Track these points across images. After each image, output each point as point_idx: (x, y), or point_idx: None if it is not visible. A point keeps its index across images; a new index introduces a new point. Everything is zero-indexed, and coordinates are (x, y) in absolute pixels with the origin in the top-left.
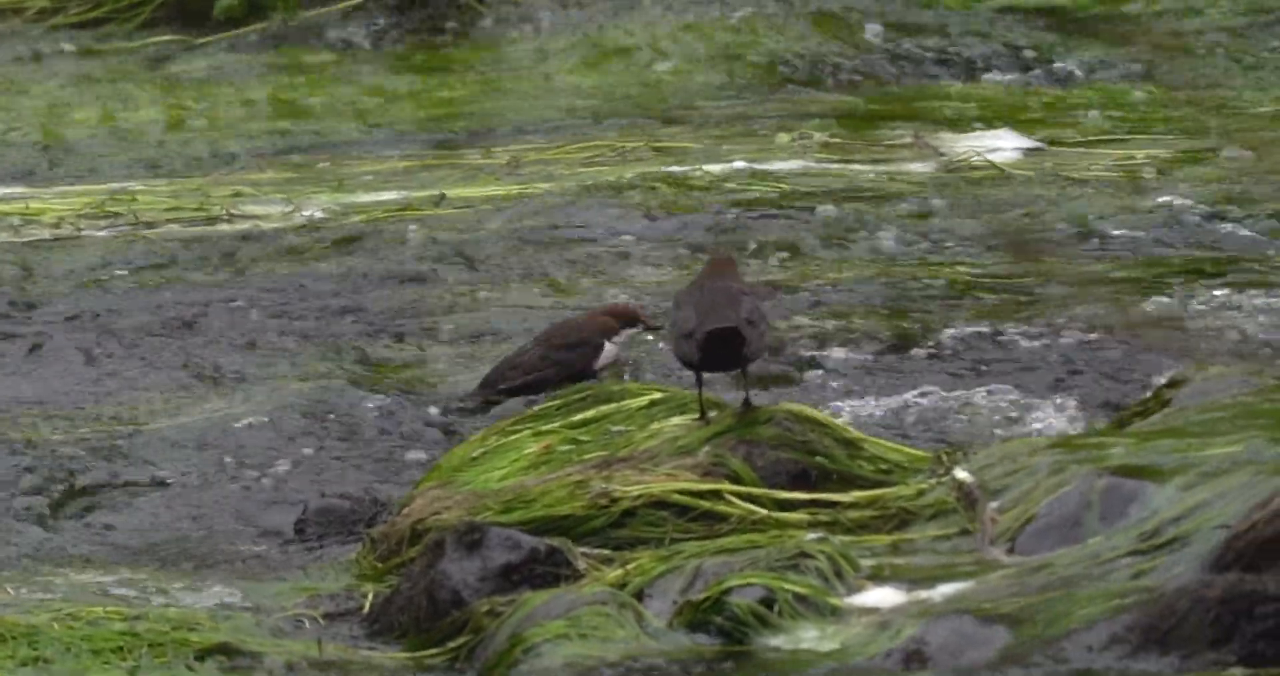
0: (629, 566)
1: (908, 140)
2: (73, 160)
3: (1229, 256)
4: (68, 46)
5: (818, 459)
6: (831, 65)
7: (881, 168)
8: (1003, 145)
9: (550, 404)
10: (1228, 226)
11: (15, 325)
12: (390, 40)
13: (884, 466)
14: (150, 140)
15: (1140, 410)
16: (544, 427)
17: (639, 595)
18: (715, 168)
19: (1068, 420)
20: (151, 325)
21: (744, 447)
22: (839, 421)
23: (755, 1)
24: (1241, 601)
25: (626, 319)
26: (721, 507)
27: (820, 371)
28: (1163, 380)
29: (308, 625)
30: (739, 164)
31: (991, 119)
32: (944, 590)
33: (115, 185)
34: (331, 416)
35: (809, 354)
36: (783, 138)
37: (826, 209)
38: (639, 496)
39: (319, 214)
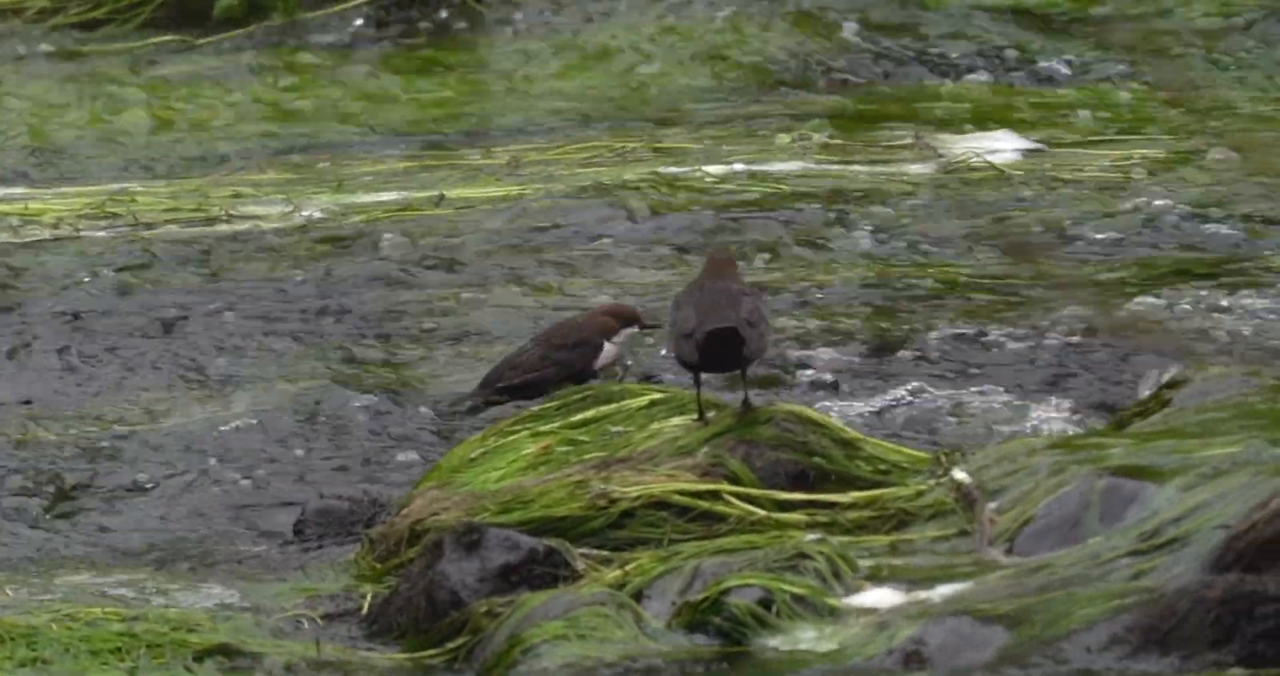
0: (628, 567)
1: (908, 141)
2: (71, 161)
3: (1223, 257)
4: (67, 47)
5: (816, 459)
6: (828, 66)
7: (881, 168)
8: (1001, 146)
9: (549, 404)
10: (1224, 228)
11: (13, 326)
12: (390, 41)
13: (882, 467)
14: (149, 141)
15: (1140, 410)
16: (543, 428)
17: (637, 596)
18: (715, 169)
19: (1065, 421)
20: (150, 325)
21: (743, 448)
22: (837, 422)
23: (753, 3)
24: (1241, 602)
25: (626, 319)
26: (720, 508)
27: (817, 372)
28: (1160, 381)
29: (306, 626)
30: (739, 165)
31: (989, 120)
32: (942, 591)
33: (114, 186)
34: (330, 417)
35: (806, 354)
36: (782, 138)
37: (825, 210)
38: (638, 497)
39: (318, 214)
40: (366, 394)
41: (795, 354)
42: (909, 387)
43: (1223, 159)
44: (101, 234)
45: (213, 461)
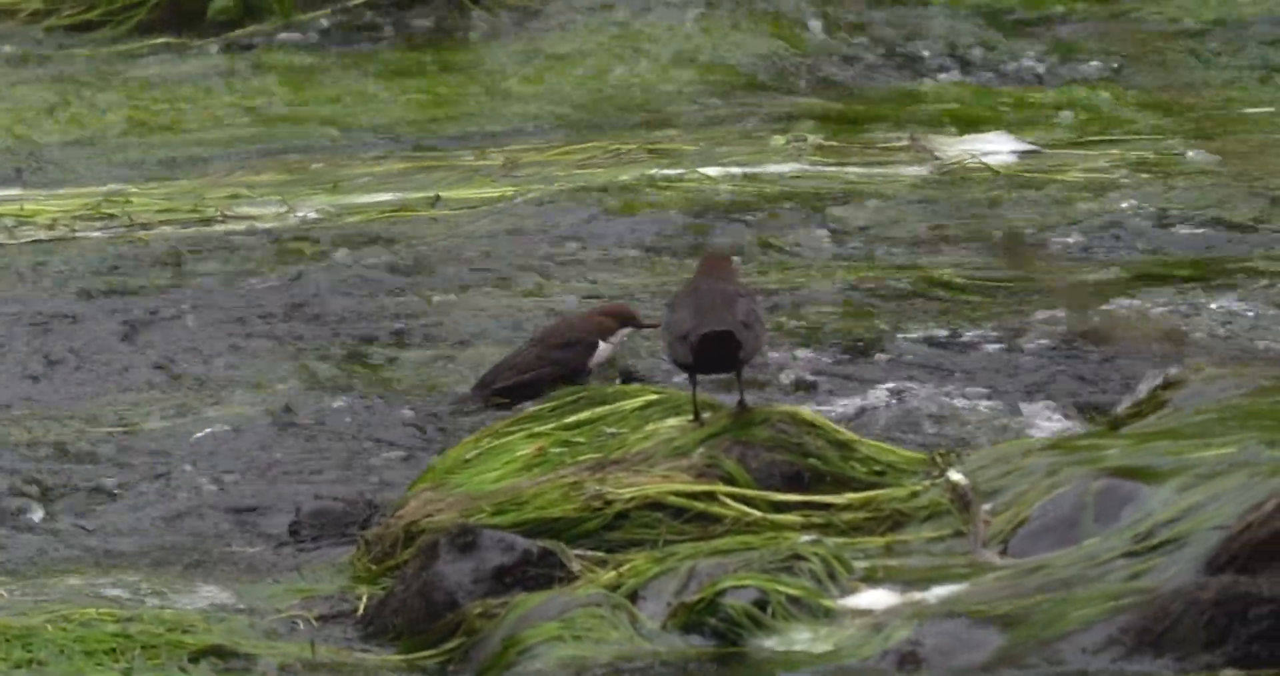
0: (623, 568)
1: (903, 143)
2: (66, 162)
3: (1218, 259)
4: (62, 48)
5: (811, 460)
6: (825, 67)
7: (876, 170)
8: (996, 148)
9: (544, 406)
10: (1218, 229)
11: (9, 327)
12: (386, 42)
13: (878, 468)
14: (144, 142)
15: (1135, 412)
16: (538, 429)
17: (633, 597)
18: (710, 170)
19: (1059, 422)
20: (145, 326)
21: (738, 449)
22: (832, 423)
23: (751, 6)
24: (1236, 603)
25: (624, 319)
26: (715, 509)
27: (811, 373)
28: (1156, 381)
29: (302, 627)
30: (734, 166)
31: (984, 121)
32: (938, 592)
33: (109, 187)
34: (326, 418)
35: (802, 355)
36: (777, 140)
37: (820, 211)
38: (633, 498)
39: (314, 215)
40: (363, 395)
41: (790, 355)
42: (904, 389)
43: (1200, 159)
44: (97, 235)
45: (208, 463)
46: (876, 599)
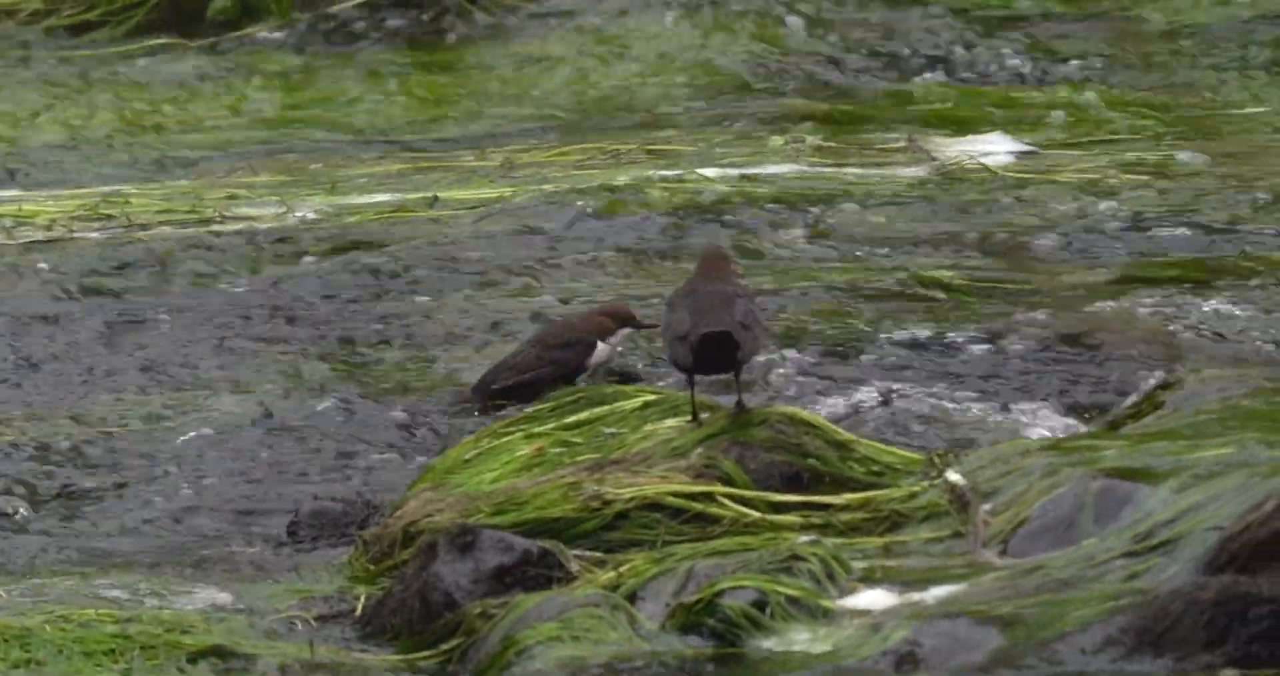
0: (621, 568)
1: (902, 144)
2: (65, 162)
3: (1215, 259)
4: (61, 49)
5: (810, 461)
6: (823, 67)
7: (875, 171)
8: (995, 148)
9: (543, 406)
10: (1216, 230)
11: (6, 327)
12: (385, 42)
13: (876, 468)
14: (143, 142)
15: (1133, 412)
16: (537, 430)
17: (631, 597)
18: (709, 171)
19: (1056, 422)
20: (142, 326)
21: (736, 450)
22: (831, 423)
23: (749, 7)
24: (1235, 603)
25: (623, 319)
26: (714, 510)
27: (808, 373)
28: (1152, 382)
29: (300, 627)
30: (732, 168)
31: (982, 122)
32: (936, 592)
33: (108, 188)
34: (325, 418)
35: (798, 355)
36: (775, 141)
37: (818, 212)
38: (631, 498)
39: (312, 216)
40: (362, 395)
41: (788, 356)
42: (902, 389)
43: (1197, 160)
44: (95, 235)
45: (206, 463)
46: (875, 599)
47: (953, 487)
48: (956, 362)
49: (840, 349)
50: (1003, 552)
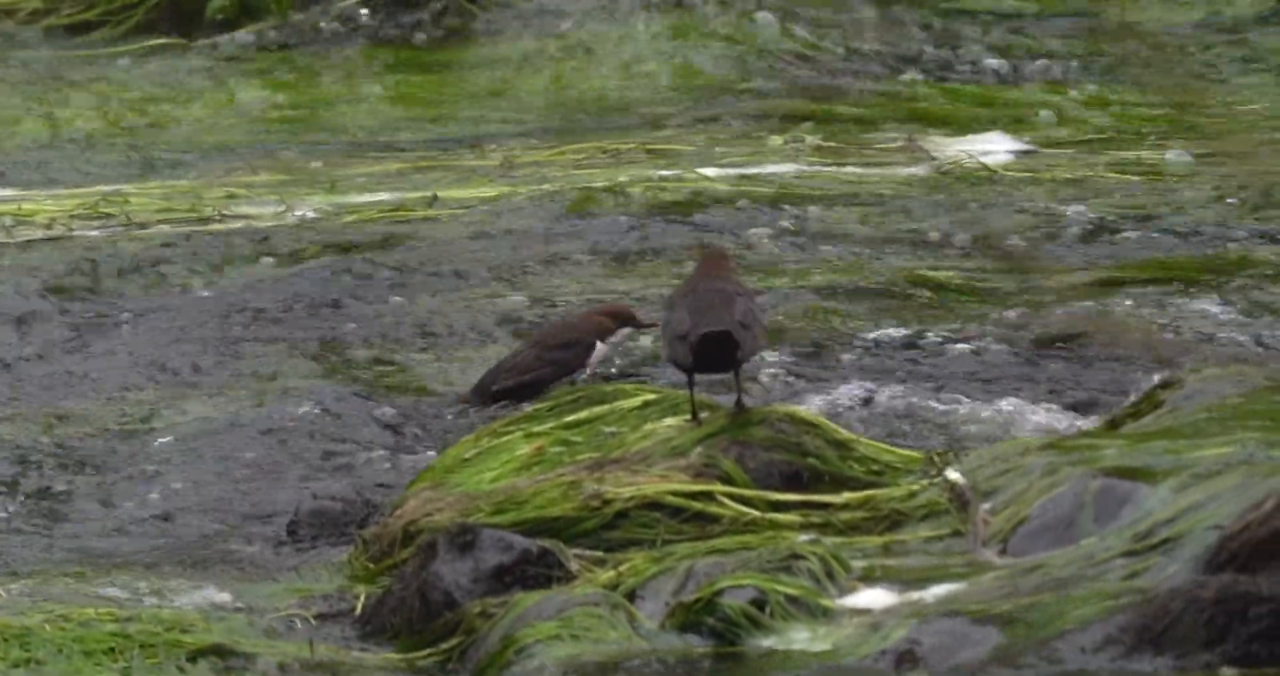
0: (621, 567)
1: (901, 144)
2: (65, 161)
3: (1213, 259)
4: (60, 48)
5: (810, 460)
6: (822, 67)
7: (874, 171)
8: (994, 148)
9: (542, 405)
10: (1214, 229)
11: (4, 326)
12: (383, 42)
13: (876, 467)
14: (143, 142)
15: (1133, 411)
16: (536, 429)
17: (631, 596)
18: (709, 170)
19: (1056, 421)
20: (141, 326)
21: (736, 449)
22: (830, 422)
23: (748, 6)
24: (1235, 602)
25: (623, 319)
26: (714, 509)
27: (807, 372)
28: (1152, 381)
29: (300, 626)
30: (732, 167)
31: (981, 121)
32: (936, 591)
33: (107, 187)
34: (324, 418)
35: (797, 355)
36: (775, 141)
37: (816, 211)
38: (631, 498)
39: (311, 215)
40: (360, 394)
41: (786, 355)
42: (901, 388)
43: (1196, 158)
44: (95, 234)
45: (205, 462)
46: (875, 598)
47: (952, 486)
48: (956, 362)
49: (839, 348)
50: (1002, 551)
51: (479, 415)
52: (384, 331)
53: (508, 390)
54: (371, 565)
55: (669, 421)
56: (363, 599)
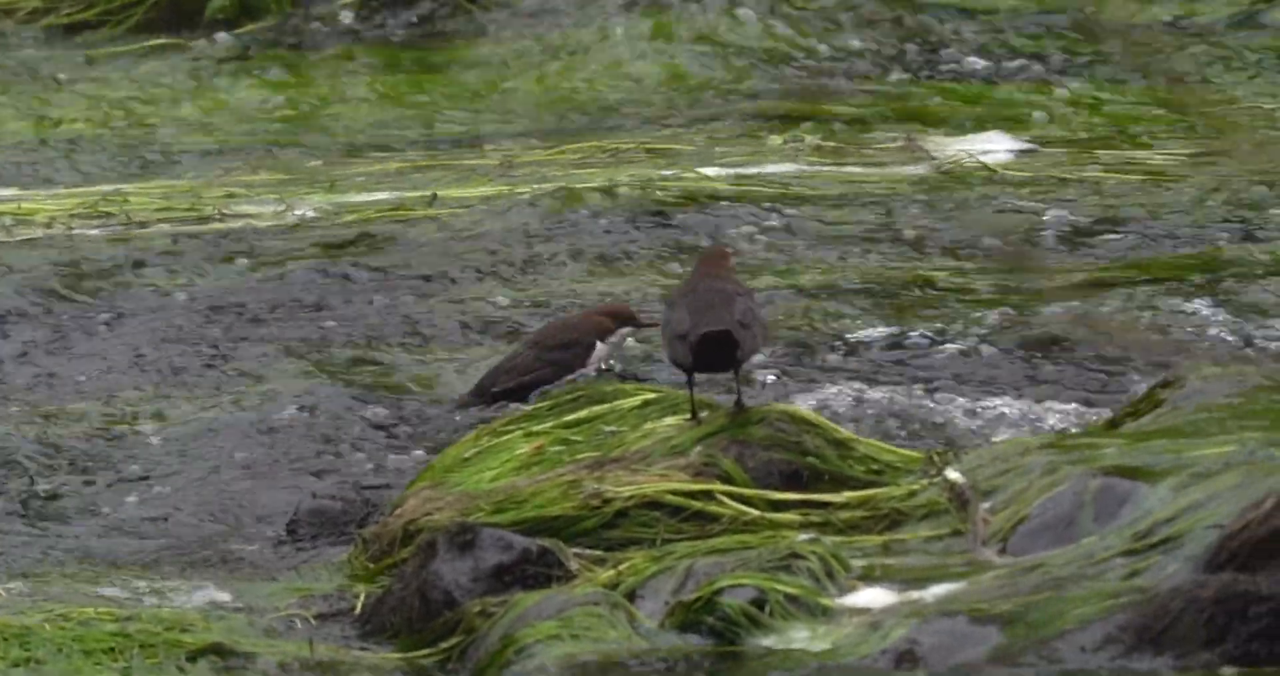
0: (621, 567)
1: (900, 143)
2: (63, 161)
3: (1211, 259)
4: (59, 48)
5: (809, 459)
6: (821, 67)
7: (873, 170)
8: (993, 147)
9: (542, 404)
10: (1212, 228)
11: (5, 325)
12: (382, 41)
13: (875, 467)
14: (141, 141)
15: (1133, 410)
16: (536, 428)
17: (631, 595)
18: (708, 170)
19: (1054, 421)
20: (139, 325)
21: (736, 448)
22: (830, 421)
23: (747, 6)
24: (1235, 601)
25: (623, 318)
26: (713, 508)
27: (805, 372)
28: (1151, 380)
29: (300, 625)
30: (732, 167)
31: (980, 120)
32: (936, 590)
33: (107, 186)
34: (323, 417)
35: (795, 355)
36: (774, 140)
37: (816, 211)
38: (631, 497)
39: (311, 214)
40: (359, 393)
41: (784, 354)
42: (900, 388)
43: (1196, 156)
44: (94, 233)
45: (205, 462)
46: (874, 597)
47: (952, 486)
48: (955, 361)
49: (836, 348)
50: (1002, 551)
51: (478, 414)
52: (383, 331)
53: (507, 392)
54: (371, 564)
55: (669, 420)
56: (362, 598)
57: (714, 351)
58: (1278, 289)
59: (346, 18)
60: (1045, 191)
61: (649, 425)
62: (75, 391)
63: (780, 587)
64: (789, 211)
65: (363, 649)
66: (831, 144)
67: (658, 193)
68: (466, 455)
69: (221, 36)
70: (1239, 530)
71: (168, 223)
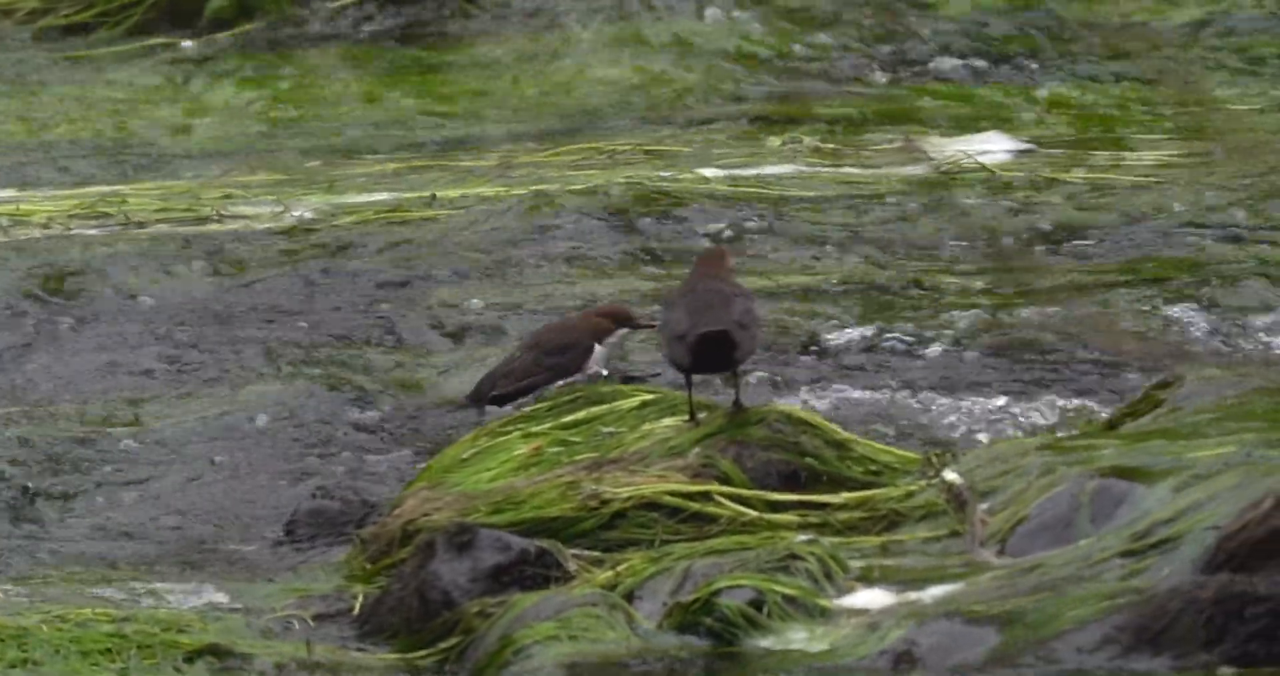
0: (619, 568)
1: (899, 144)
2: (62, 161)
3: (1210, 259)
4: (57, 49)
5: (807, 460)
6: (819, 68)
7: (871, 171)
8: (992, 147)
9: (540, 405)
10: (1210, 230)
11: (2, 326)
12: (381, 41)
13: (873, 468)
14: (140, 142)
15: (1131, 411)
16: (534, 429)
17: (629, 596)
18: (707, 171)
19: (1052, 421)
20: (138, 326)
21: (734, 449)
22: (829, 422)
23: (746, 6)
24: (1233, 602)
25: (621, 319)
26: (711, 509)
27: (803, 373)
28: (1149, 381)
29: (297, 626)
30: (730, 168)
31: (979, 121)
32: (934, 591)
33: (106, 187)
34: (321, 417)
35: (793, 355)
36: (773, 142)
37: (814, 211)
38: (629, 498)
39: (309, 215)
40: (359, 394)
41: (782, 355)
42: (899, 389)
43: (1193, 157)
44: (93, 234)
45: (203, 462)
46: (872, 598)
47: (950, 487)
48: (953, 362)
49: (834, 348)
50: (1000, 552)
51: (476, 415)
52: (380, 331)
53: (506, 395)
54: (369, 565)
55: (667, 421)
56: (361, 599)
57: (712, 352)
58: (1274, 289)
59: (345, 18)
60: (1043, 191)
61: (647, 426)
62: (73, 391)
63: (778, 588)
64: (788, 212)
65: (361, 649)
66: (830, 145)
67: (656, 194)
68: (465, 456)
69: (219, 37)
70: (1237, 531)
71: (166, 223)
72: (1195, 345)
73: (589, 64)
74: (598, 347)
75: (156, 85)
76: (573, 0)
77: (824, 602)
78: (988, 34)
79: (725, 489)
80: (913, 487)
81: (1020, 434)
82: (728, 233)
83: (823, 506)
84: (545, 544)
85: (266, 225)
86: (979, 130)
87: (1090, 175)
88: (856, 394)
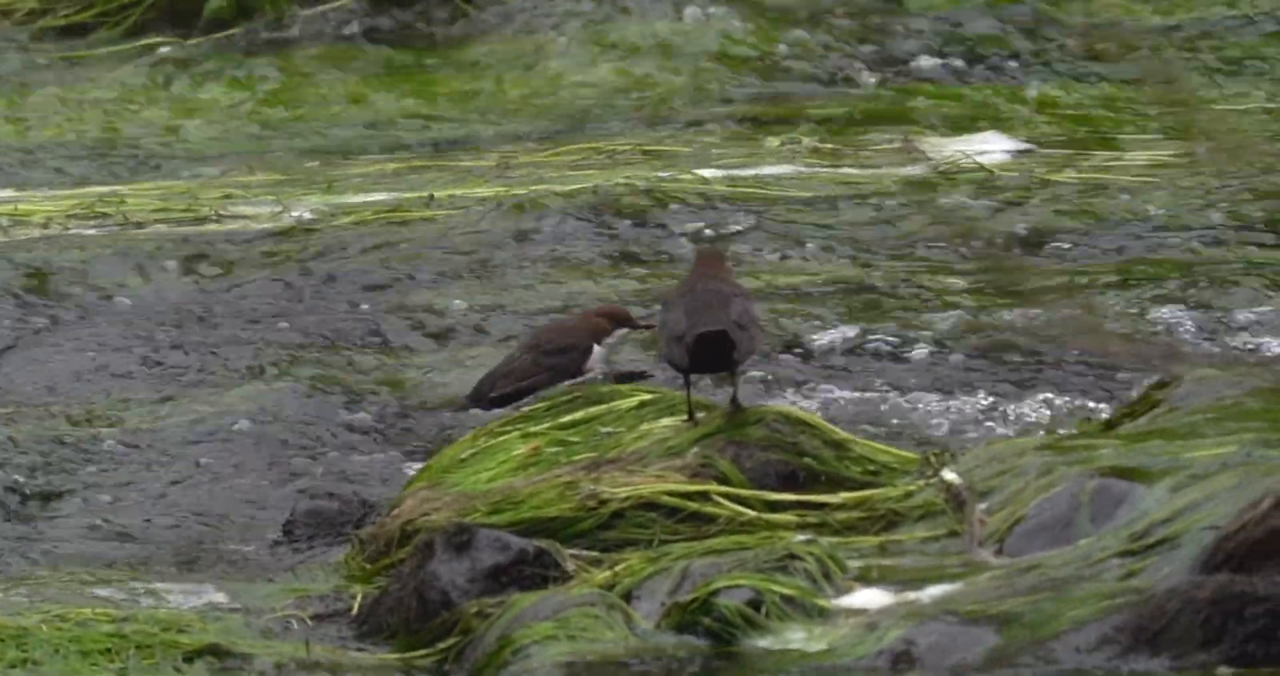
0: (617, 568)
1: (897, 145)
2: (60, 162)
3: (1208, 260)
4: (56, 49)
5: (806, 460)
6: (817, 68)
7: (870, 171)
8: (990, 148)
9: (539, 405)
10: (1208, 230)
11: (2, 326)
12: (380, 41)
13: (872, 468)
14: (139, 142)
15: (1129, 411)
16: (533, 429)
17: (627, 596)
18: (705, 172)
19: (1050, 421)
20: (138, 326)
21: (732, 449)
22: (827, 422)
23: (745, 6)
24: (1232, 602)
25: (619, 320)
26: (710, 509)
27: (802, 373)
28: (1148, 381)
29: (296, 626)
30: (729, 168)
31: (978, 121)
32: (932, 591)
33: (104, 187)
34: (320, 417)
35: (792, 355)
36: (771, 142)
37: (813, 211)
38: (627, 498)
39: (308, 215)
40: (357, 394)
41: (781, 355)
42: (897, 389)
43: (1191, 157)
44: (90, 234)
45: (202, 462)
46: (871, 598)
47: (949, 487)
48: (952, 362)
49: (832, 348)
50: (999, 552)
51: (475, 415)
52: (379, 331)
53: (505, 397)
54: (368, 565)
55: (665, 421)
56: (359, 599)
57: (711, 352)
58: (1264, 290)
59: (344, 19)
60: (1042, 191)
61: (646, 426)
62: (72, 391)
63: (777, 588)
64: (786, 213)
65: (359, 649)
66: (829, 146)
67: (655, 194)
68: (463, 456)
69: (218, 38)
70: (1236, 531)
71: (164, 224)
72: (1194, 345)
73: (588, 64)
74: (597, 348)
75: (155, 86)
76: (569, 1)
77: (822, 602)
78: (966, 33)
79: (723, 489)
80: (911, 487)
81: (1019, 433)
82: (729, 230)
83: (821, 506)
84: (544, 544)
85: (266, 225)
86: (976, 130)
87: (1087, 175)
88: (854, 394)
